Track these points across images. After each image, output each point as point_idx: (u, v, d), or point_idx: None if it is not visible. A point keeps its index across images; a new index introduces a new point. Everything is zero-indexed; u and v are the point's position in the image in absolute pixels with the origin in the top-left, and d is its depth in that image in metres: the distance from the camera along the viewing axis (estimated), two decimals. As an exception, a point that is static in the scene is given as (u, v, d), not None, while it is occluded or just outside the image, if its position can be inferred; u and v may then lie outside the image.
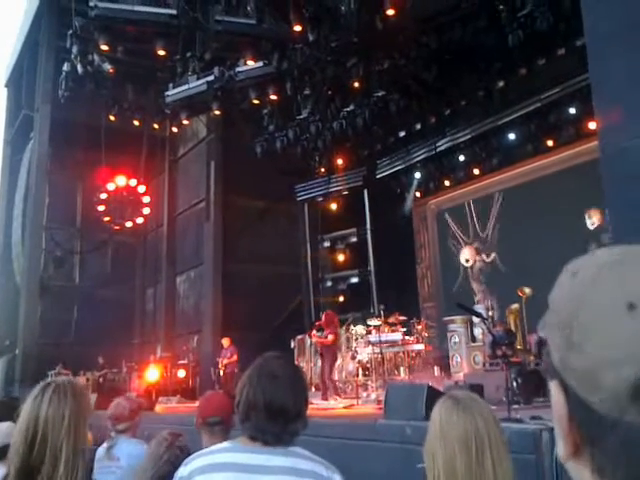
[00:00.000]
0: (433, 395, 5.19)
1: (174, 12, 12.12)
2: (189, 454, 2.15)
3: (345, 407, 9.47)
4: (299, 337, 14.26)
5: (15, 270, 19.85)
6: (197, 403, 3.17)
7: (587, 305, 0.57)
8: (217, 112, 14.20)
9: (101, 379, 15.45)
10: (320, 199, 18.24)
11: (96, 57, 13.16)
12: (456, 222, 16.64)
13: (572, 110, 12.88)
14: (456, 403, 1.77)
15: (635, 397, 0.52)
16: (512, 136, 14.35)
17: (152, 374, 14.65)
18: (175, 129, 17.12)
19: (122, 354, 16.92)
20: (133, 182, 18.49)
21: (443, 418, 1.75)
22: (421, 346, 12.25)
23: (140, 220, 18.81)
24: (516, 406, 6.49)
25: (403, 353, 12.11)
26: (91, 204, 18.41)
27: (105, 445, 3.80)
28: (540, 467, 4.15)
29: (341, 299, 17.73)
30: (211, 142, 18.33)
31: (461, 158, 15.72)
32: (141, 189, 18.66)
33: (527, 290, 10.81)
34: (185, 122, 15.16)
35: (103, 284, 19.71)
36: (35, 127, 18.90)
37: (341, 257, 18.09)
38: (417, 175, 17.06)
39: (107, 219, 18.20)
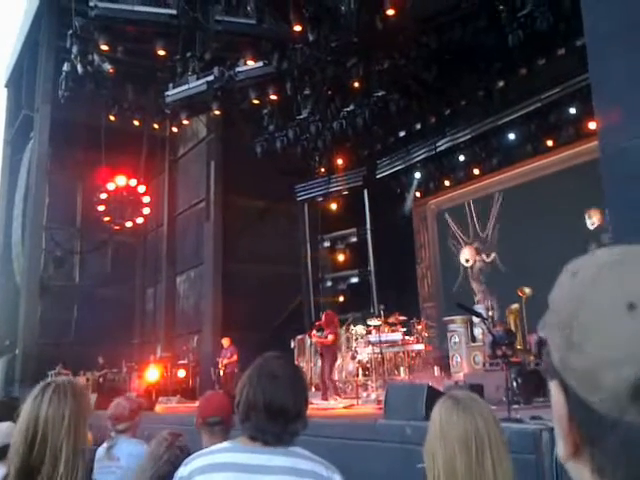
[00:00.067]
0: (433, 395, 5.19)
1: (174, 12, 12.12)
2: (189, 454, 2.15)
3: (345, 407, 9.47)
4: (299, 337, 14.26)
5: (15, 270, 19.85)
6: (197, 403, 3.17)
7: (587, 305, 0.57)
8: (217, 112, 14.20)
9: (101, 379, 15.45)
10: (320, 199, 18.24)
11: (96, 57, 13.16)
12: (456, 222, 16.64)
13: (572, 110, 12.88)
14: (456, 403, 1.77)
15: (635, 397, 0.52)
16: (512, 136, 14.35)
17: (152, 374, 14.65)
18: (175, 129, 17.12)
19: (122, 354, 16.93)
20: (133, 182, 18.50)
21: (443, 418, 1.75)
22: (421, 346, 12.25)
23: (140, 220, 18.81)
24: (516, 406, 6.48)
25: (403, 353, 12.10)
26: (91, 204, 18.41)
27: (105, 445, 3.80)
28: (540, 467, 4.15)
29: (341, 299, 17.73)
30: (211, 142, 18.33)
31: (461, 158, 15.72)
32: (141, 189, 18.67)
33: (527, 290, 10.81)
34: (185, 122, 15.16)
35: (103, 284, 19.71)
36: (35, 127, 18.90)
37: (341, 257, 18.09)
38: (417, 175, 17.05)
39: (107, 219, 18.20)
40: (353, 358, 12.35)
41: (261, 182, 16.72)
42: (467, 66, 13.10)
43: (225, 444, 1.99)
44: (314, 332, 11.40)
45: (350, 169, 17.60)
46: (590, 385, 0.55)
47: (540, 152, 14.23)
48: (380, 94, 13.12)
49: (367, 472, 4.99)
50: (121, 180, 18.19)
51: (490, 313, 11.05)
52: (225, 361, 13.03)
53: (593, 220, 10.18)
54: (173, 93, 13.35)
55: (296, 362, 12.80)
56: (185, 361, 15.93)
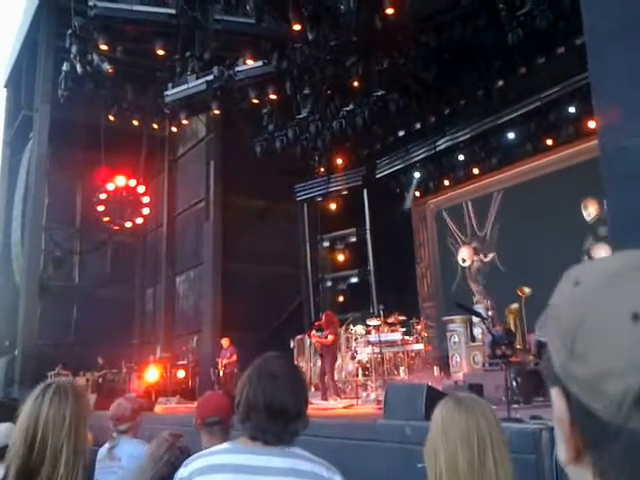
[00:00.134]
0: (433, 395, 5.19)
1: (173, 11, 12.12)
2: (189, 455, 2.15)
3: (345, 407, 9.47)
4: (298, 337, 14.26)
5: (14, 270, 19.85)
6: (196, 404, 3.16)
7: (590, 315, 0.57)
8: (216, 112, 14.19)
9: (101, 379, 15.44)
10: (319, 199, 18.23)
11: (95, 57, 13.15)
12: (454, 222, 16.64)
13: (572, 109, 12.88)
14: (458, 403, 1.77)
15: (639, 405, 0.52)
16: (512, 135, 14.35)
17: (152, 374, 14.64)
18: (174, 129, 17.09)
19: (122, 354, 16.91)
20: (132, 182, 18.50)
21: (445, 416, 1.75)
22: (421, 346, 12.24)
23: (140, 220, 18.81)
24: (516, 406, 6.49)
25: (403, 353, 12.10)
26: (90, 204, 18.41)
27: (107, 445, 3.80)
28: (540, 467, 4.15)
29: (341, 299, 17.72)
30: (210, 142, 18.33)
31: (460, 157, 15.72)
32: (140, 189, 18.67)
33: (527, 290, 10.82)
34: (184, 122, 15.15)
35: (102, 284, 19.70)
36: (34, 127, 18.89)
37: (341, 257, 18.08)
38: (416, 175, 17.05)
39: (106, 219, 18.20)
40: (353, 358, 12.35)
41: (260, 182, 16.72)
42: (466, 65, 13.09)
43: (225, 445, 1.98)
44: (313, 332, 11.40)
45: (349, 169, 17.59)
46: (593, 393, 0.55)
47: (540, 151, 14.24)
48: (379, 93, 13.11)
49: (367, 472, 4.98)
50: (120, 180, 18.19)
51: (490, 313, 11.05)
52: (225, 361, 13.02)
53: (590, 211, 10.14)
54: (172, 93, 13.34)
55: (296, 362, 12.80)
56: (185, 361, 15.92)
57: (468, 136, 15.03)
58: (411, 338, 12.29)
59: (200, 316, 17.79)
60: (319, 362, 11.77)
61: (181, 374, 15.39)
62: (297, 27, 11.13)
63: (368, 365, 12.05)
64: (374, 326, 12.24)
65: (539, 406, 6.86)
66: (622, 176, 4.56)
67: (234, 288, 16.82)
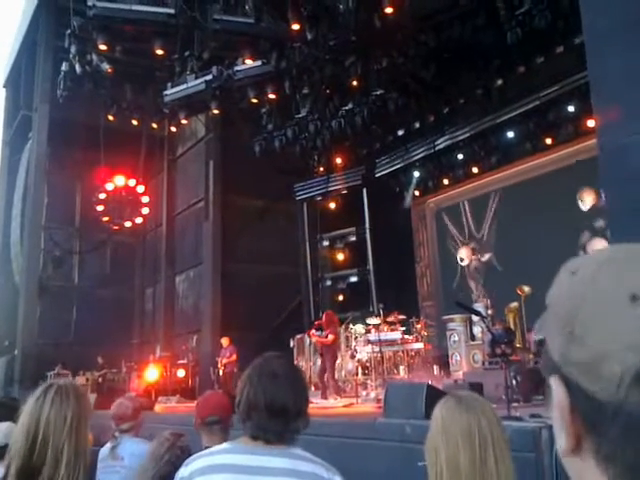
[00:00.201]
0: (433, 394, 5.19)
1: (172, 11, 12.11)
2: (190, 454, 2.15)
3: (344, 406, 9.48)
4: (298, 336, 14.26)
5: (14, 270, 19.85)
6: (196, 403, 3.16)
7: (588, 300, 0.57)
8: (216, 111, 14.18)
9: (100, 379, 15.44)
10: (319, 198, 18.22)
11: (94, 57, 13.14)
12: (453, 223, 16.64)
13: (571, 108, 12.88)
14: (458, 402, 1.77)
15: (637, 384, 0.52)
16: (511, 134, 14.34)
17: (151, 374, 14.64)
18: (174, 128, 17.08)
19: (121, 354, 16.91)
20: (132, 182, 18.50)
21: (445, 415, 1.75)
22: (420, 345, 12.24)
23: (139, 220, 18.82)
24: (515, 404, 6.50)
25: (402, 352, 12.10)
26: (90, 204, 18.41)
27: (109, 445, 3.80)
28: (540, 465, 4.15)
29: (340, 298, 17.72)
30: (210, 141, 18.32)
31: (460, 156, 15.71)
32: (140, 189, 18.67)
33: (526, 288, 10.82)
34: (184, 121, 15.14)
35: (102, 284, 19.71)
36: (33, 127, 18.89)
37: (340, 256, 18.08)
38: (416, 174, 17.04)
39: (106, 219, 18.20)
40: (352, 357, 12.36)
41: (260, 181, 16.72)
42: (466, 64, 13.09)
43: (225, 445, 1.99)
44: (313, 331, 11.41)
45: (349, 168, 17.59)
46: (593, 375, 0.55)
47: (539, 150, 14.24)
48: (379, 93, 13.10)
49: (366, 471, 4.99)
50: (120, 180, 18.20)
51: (489, 311, 11.06)
52: (224, 361, 13.03)
53: (586, 202, 10.10)
54: (171, 92, 13.33)
55: (295, 361, 12.82)
56: (184, 361, 15.92)
57: (467, 135, 15.02)
58: (411, 337, 12.29)
59: (200, 315, 17.79)
60: (319, 361, 11.77)
61: (181, 373, 15.39)
62: (296, 27, 11.13)
63: (368, 364, 12.05)
64: (374, 325, 12.25)
65: (539, 404, 6.86)
66: (621, 174, 4.57)
67: (234, 287, 16.83)
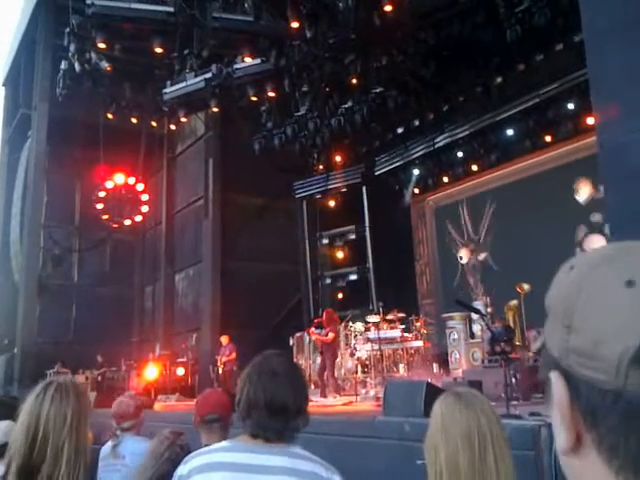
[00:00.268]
0: (432, 392, 5.19)
1: (171, 9, 12.10)
2: (189, 452, 2.15)
3: (344, 404, 9.48)
4: (298, 335, 14.26)
5: (13, 268, 19.85)
6: (195, 401, 3.16)
7: (584, 289, 0.58)
8: (215, 109, 14.17)
9: (100, 377, 15.43)
10: (318, 196, 18.21)
11: (93, 55, 13.13)
12: (452, 224, 16.63)
13: (570, 106, 12.87)
14: (458, 399, 1.77)
15: (636, 366, 0.52)
16: (510, 132, 14.34)
17: (151, 372, 14.64)
18: (173, 126, 17.07)
19: (121, 352, 16.91)
20: (131, 180, 18.48)
21: (445, 413, 1.75)
22: (420, 343, 12.24)
23: (139, 218, 18.80)
24: (515, 402, 6.50)
25: (402, 350, 12.10)
26: (89, 202, 18.40)
27: (110, 443, 3.80)
28: (539, 463, 4.16)
29: (340, 296, 17.71)
30: (209, 139, 18.32)
31: (459, 154, 15.71)
32: (139, 187, 18.65)
33: (526, 286, 10.82)
34: (183, 119, 15.14)
35: (102, 282, 19.71)
36: (33, 125, 18.88)
37: (340, 254, 18.08)
38: (415, 172, 17.04)
39: (105, 217, 18.18)
40: (352, 355, 12.36)
41: (259, 179, 16.71)
42: (465, 62, 13.09)
43: (224, 443, 1.99)
44: (312, 329, 11.41)
45: (348, 166, 17.58)
46: (593, 361, 0.55)
47: (539, 148, 14.23)
48: (378, 90, 13.10)
49: (366, 469, 4.99)
50: (119, 178, 18.18)
51: (489, 309, 11.06)
52: (224, 359, 13.02)
53: (582, 194, 10.04)
54: (171, 90, 13.32)
55: (295, 360, 12.82)
56: (184, 359, 15.92)
57: (467, 133, 15.02)
58: (410, 335, 12.29)
59: (199, 314, 17.79)
60: (318, 359, 11.78)
61: (180, 372, 15.39)
62: (295, 25, 11.12)
63: (367, 362, 12.06)
64: (373, 323, 12.25)
65: (538, 402, 6.86)
66: (621, 172, 4.57)
67: (233, 286, 16.83)
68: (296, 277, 18.39)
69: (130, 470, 3.46)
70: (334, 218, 17.83)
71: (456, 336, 11.43)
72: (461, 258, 15.90)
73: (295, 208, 18.68)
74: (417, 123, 15.93)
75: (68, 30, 13.28)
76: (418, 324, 12.74)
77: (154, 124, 16.90)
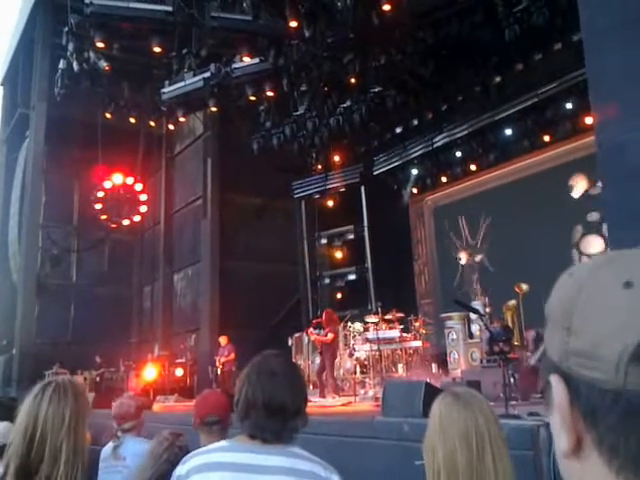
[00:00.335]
0: (431, 392, 5.19)
1: (170, 9, 12.09)
2: (188, 453, 2.14)
3: (343, 404, 9.48)
4: (296, 335, 14.25)
5: (12, 268, 19.82)
6: (194, 402, 3.15)
7: (583, 291, 0.59)
8: (213, 109, 14.17)
9: (98, 378, 15.41)
10: (317, 196, 18.21)
11: (92, 54, 13.12)
12: (450, 222, 16.62)
13: (569, 105, 12.88)
14: (456, 399, 1.77)
15: (635, 363, 0.53)
16: (509, 131, 14.34)
17: (150, 373, 14.63)
18: (171, 126, 17.06)
19: (119, 353, 16.88)
20: (130, 180, 18.46)
21: (443, 413, 1.75)
22: (418, 343, 12.24)
23: (137, 218, 18.78)
24: (513, 402, 6.50)
25: (401, 350, 12.10)
26: (88, 202, 18.37)
27: (111, 444, 3.79)
28: (538, 463, 4.15)
29: (339, 296, 17.71)
30: (208, 139, 18.30)
31: (458, 154, 15.71)
32: (138, 187, 18.63)
33: (524, 286, 10.82)
34: (181, 119, 15.13)
35: (100, 282, 19.69)
36: (31, 125, 18.84)
37: (338, 254, 18.07)
38: (414, 171, 17.04)
39: (104, 217, 18.16)
40: (351, 355, 12.36)
41: (258, 179, 16.70)
42: (464, 61, 13.10)
43: (223, 443, 1.98)
44: (311, 330, 11.40)
45: (347, 166, 17.58)
46: (593, 362, 0.56)
47: (537, 147, 14.24)
48: (377, 90, 13.10)
49: (364, 469, 4.98)
50: (118, 178, 18.15)
51: (487, 309, 11.06)
52: (223, 359, 13.01)
53: (578, 188, 10.04)
54: (169, 90, 13.32)
55: (294, 360, 12.81)
56: (183, 360, 15.91)
57: (465, 132, 15.01)
58: (409, 335, 12.28)
59: (198, 314, 17.77)
60: (317, 360, 11.77)
61: (179, 372, 15.38)
62: (294, 24, 11.12)
63: (366, 362, 12.05)
64: (372, 323, 12.24)
65: (537, 402, 6.86)
66: (619, 171, 4.57)
67: (232, 286, 16.82)
68: (295, 277, 18.38)
69: (131, 471, 3.45)
70: (333, 218, 17.82)
71: (455, 336, 11.43)
72: (460, 259, 15.90)
73: (294, 208, 18.68)
74: (416, 123, 15.93)
75: (66, 29, 13.27)
76: (417, 324, 12.73)
77: (152, 124, 16.87)
